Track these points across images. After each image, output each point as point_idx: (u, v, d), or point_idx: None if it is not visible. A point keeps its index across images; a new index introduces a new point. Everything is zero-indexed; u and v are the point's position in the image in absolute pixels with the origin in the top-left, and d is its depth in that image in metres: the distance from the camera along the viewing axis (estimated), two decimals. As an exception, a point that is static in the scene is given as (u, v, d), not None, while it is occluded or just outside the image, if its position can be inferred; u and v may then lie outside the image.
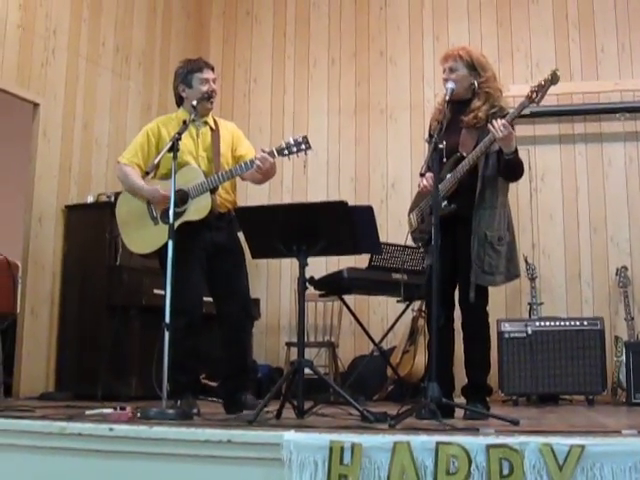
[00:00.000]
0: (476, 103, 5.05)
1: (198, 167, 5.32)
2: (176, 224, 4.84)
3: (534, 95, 4.80)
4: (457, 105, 5.07)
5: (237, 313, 5.38)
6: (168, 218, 4.74)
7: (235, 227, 5.28)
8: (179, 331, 4.88)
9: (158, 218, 5.30)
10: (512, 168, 4.95)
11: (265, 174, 5.29)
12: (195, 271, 5.25)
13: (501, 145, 4.81)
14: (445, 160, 4.69)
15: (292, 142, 5.13)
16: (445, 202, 4.92)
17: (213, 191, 5.23)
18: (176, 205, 4.83)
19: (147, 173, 5.12)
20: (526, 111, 7.16)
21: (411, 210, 5.32)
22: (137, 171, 5.39)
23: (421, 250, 5.14)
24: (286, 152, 5.14)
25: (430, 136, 4.78)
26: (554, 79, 4.81)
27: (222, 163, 5.40)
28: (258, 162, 5.12)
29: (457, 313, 5.10)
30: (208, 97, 5.42)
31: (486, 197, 4.96)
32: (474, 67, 5.10)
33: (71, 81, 7.75)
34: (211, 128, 5.52)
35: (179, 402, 5.00)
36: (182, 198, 5.16)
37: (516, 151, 4.88)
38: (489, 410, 4.91)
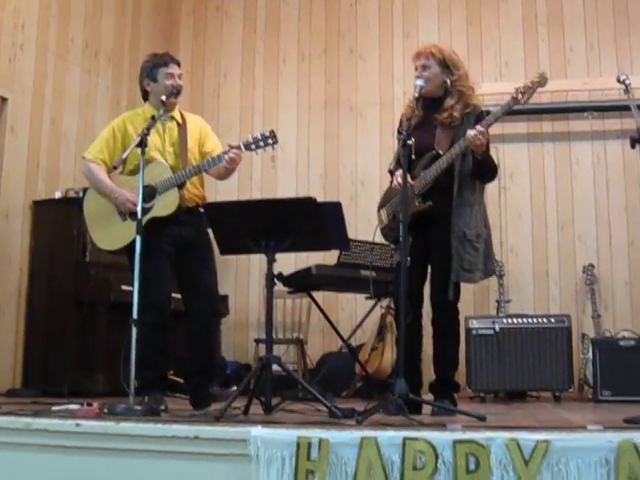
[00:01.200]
0: (449, 102, 5.07)
1: (165, 162, 5.30)
2: (144, 220, 4.82)
3: (520, 96, 4.84)
4: (429, 103, 5.08)
5: (203, 309, 5.36)
6: (132, 215, 4.73)
7: (204, 222, 5.27)
8: (147, 327, 4.86)
9: (126, 214, 5.28)
10: (483, 168, 4.99)
11: (229, 170, 5.28)
12: (163, 267, 5.23)
13: (475, 149, 4.84)
14: (414, 157, 4.68)
15: (259, 137, 5.12)
16: (419, 199, 4.93)
17: (181, 186, 5.22)
18: (144, 201, 4.82)
19: (115, 168, 5.11)
20: (494, 110, 7.23)
21: (381, 206, 5.31)
22: (103, 167, 5.35)
23: (391, 247, 5.14)
24: (253, 147, 5.13)
25: (399, 132, 4.79)
26: (542, 81, 4.85)
27: (189, 158, 5.37)
28: (227, 158, 5.11)
29: (425, 310, 5.13)
30: (176, 93, 5.39)
31: (464, 195, 4.99)
32: (446, 65, 5.13)
33: (39, 76, 7.69)
34: (178, 123, 5.49)
35: (146, 398, 4.98)
36: (150, 194, 5.14)
37: (487, 151, 4.91)
38: (456, 406, 4.93)
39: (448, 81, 5.10)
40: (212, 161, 5.17)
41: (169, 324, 5.26)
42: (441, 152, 4.97)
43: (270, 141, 5.11)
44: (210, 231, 5.16)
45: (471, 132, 4.78)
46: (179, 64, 5.55)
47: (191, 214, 5.29)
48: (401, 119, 5.24)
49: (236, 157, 5.12)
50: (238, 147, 5.11)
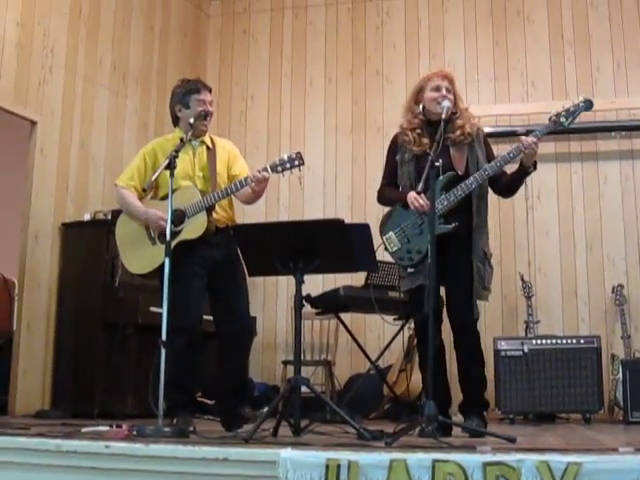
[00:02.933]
0: (459, 122, 5.11)
1: (195, 187, 5.34)
2: (173, 243, 4.87)
3: (562, 119, 4.91)
4: (435, 125, 5.05)
5: (236, 331, 5.39)
6: (164, 239, 4.77)
7: (234, 243, 5.28)
8: (177, 349, 4.90)
9: (156, 238, 5.32)
10: (521, 182, 5.05)
11: (257, 193, 5.31)
12: (194, 288, 5.26)
13: (526, 159, 4.88)
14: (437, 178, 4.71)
15: (285, 159, 5.15)
16: (441, 220, 4.92)
17: (209, 209, 5.25)
18: (173, 224, 4.89)
19: (144, 190, 5.16)
20: (522, 130, 7.27)
21: (387, 230, 5.22)
22: (134, 194, 5.43)
23: (409, 271, 5.07)
24: (279, 169, 5.15)
25: (426, 154, 4.78)
26: (588, 105, 4.92)
27: (219, 182, 5.41)
28: (252, 181, 5.14)
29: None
30: (204, 116, 5.43)
31: (482, 215, 5.04)
32: (455, 96, 5.20)
33: (68, 99, 7.76)
34: (207, 147, 5.54)
35: (175, 420, 4.99)
36: (179, 217, 5.19)
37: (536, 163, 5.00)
38: (487, 425, 4.91)
39: (457, 110, 5.14)
40: (239, 184, 5.21)
41: (199, 346, 5.28)
42: (459, 173, 4.98)
43: (296, 162, 5.13)
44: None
45: (528, 139, 4.83)
46: (211, 90, 5.63)
47: (221, 236, 5.31)
48: (397, 141, 5.24)
49: (262, 178, 5.14)
50: (264, 169, 5.14)
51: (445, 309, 5.12)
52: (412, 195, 4.95)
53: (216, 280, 5.35)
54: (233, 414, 5.32)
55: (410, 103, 5.28)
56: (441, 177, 4.84)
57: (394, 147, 5.30)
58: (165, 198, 5.16)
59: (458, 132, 5.06)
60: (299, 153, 5.15)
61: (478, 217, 5.01)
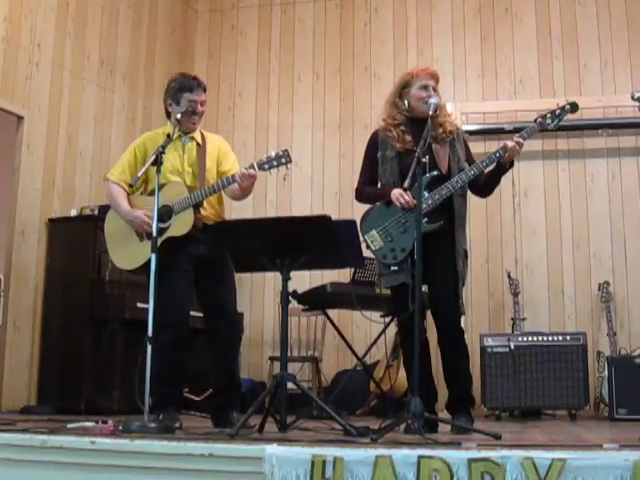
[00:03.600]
0: (440, 120, 5.11)
1: (183, 182, 5.33)
2: (160, 240, 4.87)
3: (547, 121, 4.93)
4: (417, 123, 5.06)
5: (224, 328, 5.39)
6: (151, 236, 4.77)
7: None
8: (164, 345, 4.90)
9: (143, 235, 5.31)
10: (498, 181, 5.07)
11: (245, 190, 5.31)
12: (181, 285, 5.26)
13: (507, 159, 4.91)
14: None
15: (273, 156, 5.13)
16: (425, 219, 4.91)
17: (197, 206, 5.24)
18: (160, 221, 4.89)
19: (131, 186, 5.15)
20: (509, 127, 7.30)
21: (368, 228, 5.19)
22: (123, 189, 5.42)
23: (393, 269, 5.06)
24: (266, 166, 5.14)
25: (412, 151, 4.78)
26: (574, 108, 4.96)
27: (208, 178, 5.40)
28: (238, 178, 5.13)
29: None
30: (191, 113, 5.42)
31: (462, 214, 5.05)
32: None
33: (55, 94, 7.74)
34: (197, 143, 5.53)
35: (162, 416, 4.98)
36: (167, 213, 5.19)
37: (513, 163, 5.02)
38: (474, 421, 4.92)
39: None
40: (226, 180, 5.20)
41: (186, 342, 5.28)
42: (443, 171, 4.99)
43: (283, 160, 5.12)
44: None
45: (510, 142, 4.85)
46: (205, 89, 5.58)
47: (210, 232, 5.30)
48: (378, 138, 5.24)
49: (248, 175, 5.13)
50: (251, 166, 5.13)
51: (430, 307, 5.12)
52: (397, 192, 4.95)
53: (204, 277, 5.35)
54: (222, 415, 5.33)
55: (394, 98, 5.27)
56: (427, 175, 4.84)
57: (374, 144, 5.29)
58: (153, 193, 5.15)
59: (440, 130, 5.07)
60: (286, 151, 5.14)
61: (459, 216, 5.03)
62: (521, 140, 4.90)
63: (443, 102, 5.28)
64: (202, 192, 5.24)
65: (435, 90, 5.13)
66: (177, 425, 4.89)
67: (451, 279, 4.96)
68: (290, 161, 5.13)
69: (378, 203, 5.16)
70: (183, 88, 5.50)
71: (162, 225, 5.08)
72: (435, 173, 4.95)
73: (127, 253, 5.37)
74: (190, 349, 5.34)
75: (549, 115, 4.94)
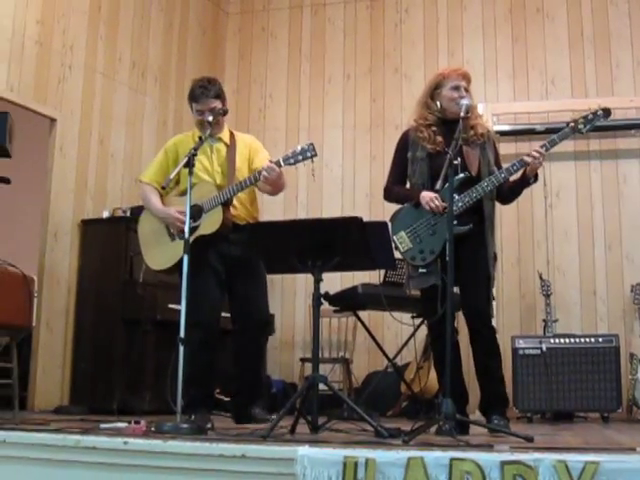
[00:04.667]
0: (472, 121, 5.08)
1: (212, 182, 5.37)
2: (191, 239, 4.86)
3: (580, 127, 4.90)
4: (449, 124, 5.04)
5: (251, 328, 5.42)
6: (182, 235, 4.80)
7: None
8: (194, 345, 4.92)
9: (175, 234, 5.34)
10: (522, 191, 5.05)
11: (273, 185, 5.33)
12: (212, 285, 5.29)
13: (530, 171, 4.89)
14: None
15: (298, 150, 5.14)
16: (455, 222, 4.89)
17: (226, 204, 5.27)
18: (192, 220, 4.93)
19: (163, 188, 5.18)
20: (541, 128, 7.25)
21: (397, 229, 5.20)
22: (157, 190, 5.49)
23: (421, 271, 5.05)
24: (292, 160, 5.15)
25: (445, 152, 4.77)
26: (607, 114, 4.92)
27: (237, 177, 5.44)
28: (264, 172, 5.15)
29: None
30: (202, 125, 5.48)
31: (492, 217, 5.04)
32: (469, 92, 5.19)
33: (87, 96, 7.80)
34: (225, 144, 5.57)
35: (193, 416, 5.01)
36: (197, 213, 5.24)
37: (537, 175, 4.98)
38: (509, 421, 4.90)
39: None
40: (253, 177, 5.23)
41: (217, 342, 5.30)
42: (473, 174, 4.97)
43: (309, 154, 5.12)
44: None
45: (531, 155, 4.84)
46: (218, 94, 5.55)
47: (241, 233, 5.31)
48: (408, 138, 5.22)
49: (271, 170, 5.13)
50: (277, 162, 5.15)
51: (462, 308, 5.10)
52: (427, 196, 4.94)
53: (234, 277, 5.37)
54: (244, 411, 5.37)
55: (426, 99, 5.25)
56: (458, 176, 4.82)
57: (404, 144, 5.28)
58: (183, 194, 5.22)
59: (471, 132, 5.05)
60: (312, 144, 5.15)
61: (489, 219, 5.01)
62: (543, 151, 4.87)
63: (475, 103, 5.25)
64: (230, 190, 5.29)
65: (467, 91, 5.11)
66: (208, 426, 4.91)
67: (483, 280, 4.95)
68: (315, 154, 5.12)
69: (407, 204, 5.16)
70: (190, 97, 5.56)
71: (193, 224, 5.10)
72: (464, 175, 4.91)
73: (159, 253, 5.41)
74: (221, 349, 5.36)
75: (581, 120, 4.91)
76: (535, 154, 4.87)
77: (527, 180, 4.97)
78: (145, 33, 8.66)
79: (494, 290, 5.19)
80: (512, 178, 5.05)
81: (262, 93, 9.76)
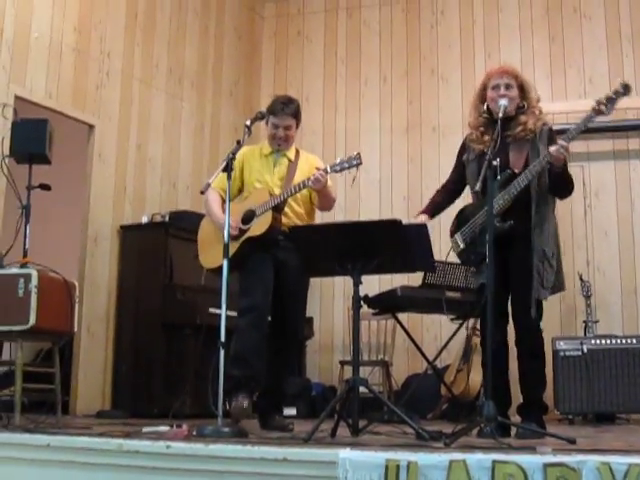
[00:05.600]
0: (523, 118, 5.02)
1: (266, 188, 5.51)
2: (241, 240, 5.30)
3: (602, 107, 4.78)
4: (503, 122, 5.01)
5: (285, 332, 5.48)
6: (234, 238, 5.17)
7: (292, 253, 5.35)
8: (243, 327, 5.03)
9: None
10: (561, 182, 4.94)
11: (322, 193, 5.44)
12: (265, 276, 5.41)
13: (556, 163, 4.80)
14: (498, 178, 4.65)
15: (345, 159, 5.26)
16: (498, 219, 4.87)
17: (277, 209, 5.37)
18: (243, 223, 5.35)
19: (202, 193, 5.23)
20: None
21: (456, 231, 5.26)
22: (219, 196, 5.57)
23: (472, 270, 5.10)
24: (338, 168, 5.26)
25: (483, 153, 4.74)
26: (626, 90, 4.78)
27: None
28: (312, 179, 5.25)
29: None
30: (273, 138, 5.61)
31: (541, 212, 4.94)
32: (523, 88, 5.10)
33: (125, 103, 7.85)
34: (289, 159, 5.66)
35: (234, 400, 5.07)
36: (249, 216, 5.41)
37: (565, 164, 4.86)
38: (545, 429, 4.85)
39: (525, 104, 5.07)
40: (302, 183, 5.34)
41: (265, 328, 5.35)
42: (516, 171, 4.92)
43: (355, 162, 5.21)
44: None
45: (554, 147, 4.75)
46: (294, 114, 5.64)
47: (291, 239, 5.32)
48: (465, 142, 5.22)
49: (320, 177, 5.24)
50: (325, 169, 5.26)
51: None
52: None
53: (279, 281, 5.43)
54: (268, 417, 5.51)
55: (476, 101, 5.22)
56: (498, 177, 4.77)
57: (462, 147, 5.28)
58: (245, 199, 5.53)
59: (519, 128, 4.98)
60: (358, 153, 5.24)
61: (537, 215, 4.92)
62: (564, 143, 4.78)
63: (535, 96, 5.17)
64: (281, 196, 5.41)
65: (510, 87, 5.04)
66: (245, 405, 5.01)
67: (528, 281, 4.89)
68: (360, 162, 5.22)
69: (466, 205, 5.18)
70: (269, 110, 5.63)
71: (244, 227, 5.38)
72: (507, 172, 4.87)
73: (214, 252, 5.49)
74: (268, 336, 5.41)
75: (604, 101, 4.82)
76: (556, 146, 4.79)
77: (554, 170, 4.89)
78: (181, 39, 8.71)
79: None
80: None
81: (298, 96, 9.60)
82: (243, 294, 4.98)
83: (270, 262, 5.43)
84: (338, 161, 5.26)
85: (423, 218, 5.24)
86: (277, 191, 5.51)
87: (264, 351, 5.39)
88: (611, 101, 4.80)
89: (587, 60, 8.84)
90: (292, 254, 5.21)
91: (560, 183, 4.96)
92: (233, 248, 4.96)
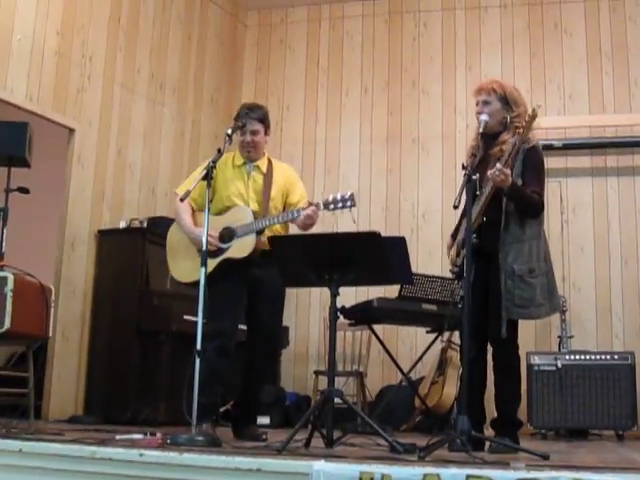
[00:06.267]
0: (504, 136, 5.01)
1: (249, 208, 5.46)
2: (218, 260, 5.22)
3: (522, 131, 4.80)
4: (490, 139, 5.05)
5: (260, 344, 5.47)
6: (211, 253, 5.04)
7: (270, 260, 5.35)
8: (208, 354, 4.97)
9: None
10: (516, 204, 4.89)
11: (306, 226, 5.41)
12: (232, 301, 5.36)
13: (495, 185, 4.78)
14: (479, 193, 4.66)
15: (339, 198, 5.20)
16: (474, 235, 4.89)
17: (259, 232, 5.33)
18: (222, 242, 5.27)
19: (181, 200, 5.21)
20: (558, 144, 7.18)
21: (452, 244, 5.31)
22: (190, 205, 5.54)
23: (456, 282, 5.13)
24: (331, 207, 5.23)
25: (464, 167, 4.75)
26: (533, 115, 4.78)
27: (270, 207, 5.51)
28: (304, 214, 5.27)
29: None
30: (241, 142, 5.58)
31: (511, 231, 4.90)
32: (507, 101, 5.08)
33: (106, 107, 7.83)
34: (262, 172, 5.62)
35: (198, 426, 5.06)
36: (229, 236, 5.36)
37: (513, 188, 4.81)
38: (518, 444, 4.86)
39: (508, 117, 5.06)
40: (290, 214, 5.35)
41: (231, 354, 5.32)
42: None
43: (348, 204, 5.17)
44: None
45: (490, 170, 4.74)
46: (260, 119, 5.59)
47: (269, 256, 5.29)
48: (468, 154, 5.24)
49: (313, 214, 5.28)
50: (317, 205, 5.26)
51: None
52: None
53: (255, 298, 5.43)
54: (242, 426, 5.53)
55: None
56: (478, 192, 4.78)
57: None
58: (218, 213, 5.43)
59: (497, 148, 5.00)
60: (352, 195, 5.19)
61: (505, 232, 4.91)
62: (499, 166, 4.72)
63: (518, 110, 5.12)
64: (266, 221, 5.37)
65: (487, 103, 5.05)
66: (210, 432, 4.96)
67: (496, 298, 4.90)
68: (354, 205, 5.19)
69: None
70: (236, 117, 5.60)
71: (223, 245, 5.32)
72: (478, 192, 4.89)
73: (186, 266, 5.47)
74: (235, 362, 5.38)
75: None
76: (492, 170, 4.76)
77: (504, 193, 4.88)
78: (164, 45, 8.70)
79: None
80: None
81: (279, 105, 9.78)
82: (212, 317, 4.86)
83: (243, 284, 5.40)
84: (331, 199, 5.22)
85: None
86: (253, 206, 5.47)
87: (229, 373, 5.41)
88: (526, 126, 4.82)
89: (567, 76, 8.89)
90: (268, 270, 5.21)
91: (516, 205, 4.92)
92: (210, 265, 4.92)
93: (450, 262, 5.26)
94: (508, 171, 4.70)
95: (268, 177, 5.59)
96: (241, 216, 5.39)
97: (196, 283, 5.35)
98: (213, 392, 5.28)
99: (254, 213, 5.42)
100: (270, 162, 5.71)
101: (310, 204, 5.32)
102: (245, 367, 5.53)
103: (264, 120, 5.62)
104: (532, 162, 4.98)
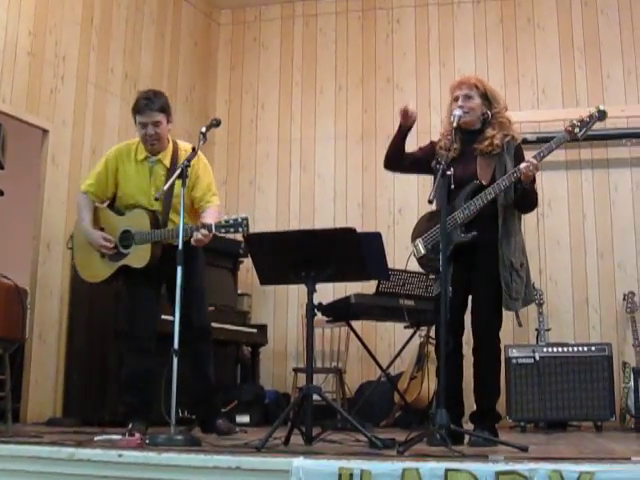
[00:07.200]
0: (490, 132, 5.05)
1: (146, 212, 5.37)
2: (118, 264, 5.32)
3: (576, 130, 4.85)
4: (467, 134, 5.07)
5: (190, 338, 5.21)
6: (111, 257, 5.31)
7: (194, 252, 5.30)
8: (129, 354, 5.19)
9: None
10: (527, 198, 4.99)
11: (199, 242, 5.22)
12: (146, 300, 5.40)
13: (523, 178, 4.84)
14: (453, 187, 4.67)
15: (231, 222, 5.01)
16: (462, 229, 4.91)
17: (155, 243, 5.30)
18: (123, 247, 5.35)
19: (156, 199, 5.16)
20: (532, 137, 7.21)
21: (417, 236, 5.26)
22: (91, 202, 5.53)
23: (431, 277, 5.13)
24: (222, 230, 5.06)
25: (437, 162, 4.76)
26: (602, 116, 4.85)
27: (175, 204, 5.30)
28: (195, 237, 5.09)
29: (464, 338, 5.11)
30: (144, 139, 5.46)
31: (508, 225, 4.98)
32: (487, 97, 5.14)
33: (80, 107, 7.79)
34: (166, 167, 5.47)
35: (130, 425, 5.06)
36: (127, 240, 5.36)
37: (534, 181, 4.94)
38: (497, 437, 4.89)
39: (489, 113, 5.10)
40: (184, 232, 4.84)
41: (153, 351, 5.38)
42: (484, 182, 4.96)
43: (240, 229, 4.98)
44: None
45: (524, 164, 4.81)
46: (161, 109, 5.45)
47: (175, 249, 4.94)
48: (436, 151, 5.22)
49: (204, 239, 5.12)
50: (209, 227, 5.08)
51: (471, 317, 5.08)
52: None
53: (172, 287, 4.97)
54: (209, 425, 5.50)
55: (447, 113, 5.26)
56: (452, 186, 4.80)
57: (431, 149, 5.25)
58: (120, 212, 5.49)
59: (486, 142, 5.02)
60: (246, 219, 5.00)
61: (504, 226, 4.96)
62: (534, 161, 4.84)
63: (501, 106, 5.18)
64: (161, 234, 5.26)
65: (470, 98, 5.08)
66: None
67: (489, 292, 4.93)
68: (247, 231, 4.98)
69: (425, 213, 5.19)
70: (133, 109, 5.50)
71: (123, 251, 5.35)
72: (475, 183, 4.92)
73: (89, 265, 5.55)
74: (158, 357, 5.30)
75: (578, 123, 4.89)
76: (526, 164, 4.85)
77: (522, 186, 4.93)
78: (137, 44, 8.66)
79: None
80: None
81: (254, 104, 9.77)
82: (126, 317, 5.09)
83: (153, 281, 5.40)
84: (224, 222, 5.03)
85: None
86: (155, 204, 5.35)
87: (150, 373, 5.36)
88: (585, 125, 4.87)
89: (540, 70, 8.91)
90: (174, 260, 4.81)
91: (526, 199, 5.01)
92: (109, 270, 4.97)
93: (416, 255, 5.17)
94: (539, 165, 4.84)
95: (172, 172, 5.21)
96: (139, 222, 5.33)
97: (104, 282, 5.44)
98: (141, 391, 5.30)
99: (156, 213, 5.34)
100: (175, 151, 5.51)
101: (203, 225, 5.11)
102: (189, 363, 5.43)
103: (165, 109, 5.46)
104: (523, 158, 5.06)
